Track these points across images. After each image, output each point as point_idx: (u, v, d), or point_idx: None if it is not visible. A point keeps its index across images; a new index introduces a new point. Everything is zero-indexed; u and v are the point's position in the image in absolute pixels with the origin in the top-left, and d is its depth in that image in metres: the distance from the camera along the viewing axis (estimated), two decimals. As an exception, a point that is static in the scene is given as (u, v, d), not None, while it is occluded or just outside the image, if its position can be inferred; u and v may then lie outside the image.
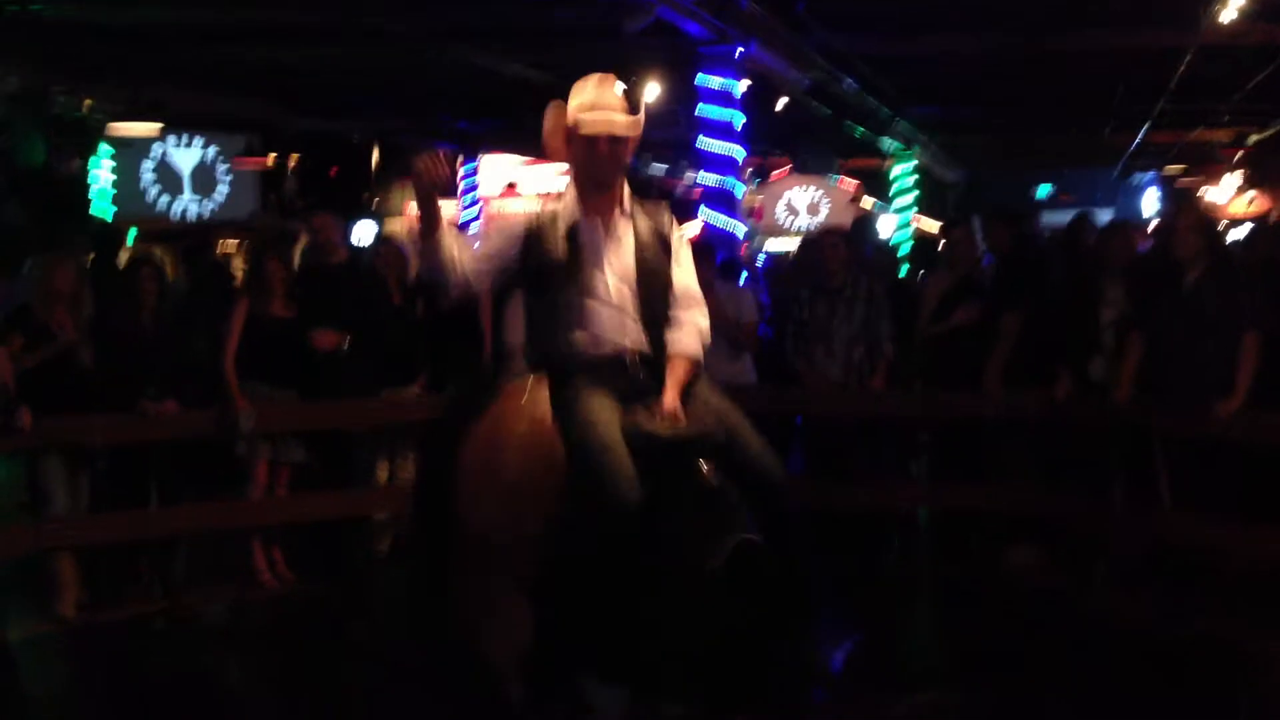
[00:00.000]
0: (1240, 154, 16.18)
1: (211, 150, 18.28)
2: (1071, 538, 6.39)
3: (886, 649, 5.44)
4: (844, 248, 6.70)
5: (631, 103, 3.67)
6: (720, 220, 9.44)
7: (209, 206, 18.29)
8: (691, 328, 3.66)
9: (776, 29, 9.81)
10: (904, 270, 10.44)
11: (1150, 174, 20.80)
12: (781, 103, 12.34)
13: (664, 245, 3.68)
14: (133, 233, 15.23)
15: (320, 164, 20.58)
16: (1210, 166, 17.66)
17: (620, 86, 3.71)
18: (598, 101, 3.60)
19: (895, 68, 12.21)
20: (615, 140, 3.58)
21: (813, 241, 9.58)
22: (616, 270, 3.63)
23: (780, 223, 21.08)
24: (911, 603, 6.30)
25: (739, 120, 9.42)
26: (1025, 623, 5.70)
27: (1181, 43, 10.10)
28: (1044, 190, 21.55)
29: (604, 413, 3.41)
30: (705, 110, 9.37)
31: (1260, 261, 6.10)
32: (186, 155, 18.26)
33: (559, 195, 3.78)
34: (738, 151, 9.50)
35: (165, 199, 17.74)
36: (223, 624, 5.98)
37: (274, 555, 6.42)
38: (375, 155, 20.34)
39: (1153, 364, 5.68)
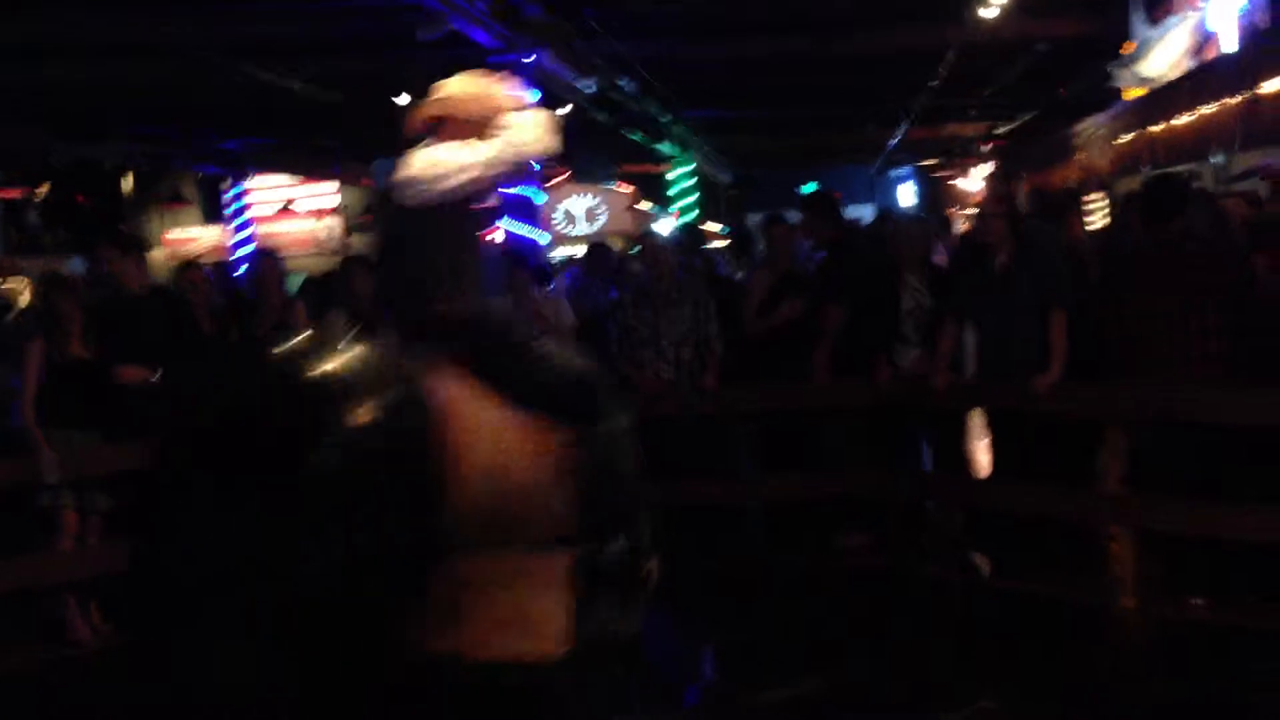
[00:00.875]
0: (990, 145, 17.22)
1: (-57, 184, 16.97)
2: (897, 517, 6.66)
3: (743, 642, 5.51)
4: (671, 253, 6.77)
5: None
6: (523, 229, 9.39)
7: (-58, 244, 16.96)
8: None
9: (564, 36, 9.84)
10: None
11: (906, 168, 21.93)
12: (563, 110, 12.38)
13: None
14: None
15: (66, 193, 19.36)
16: (965, 160, 18.75)
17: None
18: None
19: (674, 72, 12.45)
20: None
21: (599, 245, 9.75)
22: None
23: (560, 230, 21.13)
24: (756, 594, 6.40)
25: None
26: (865, 601, 5.91)
27: (945, 40, 10.67)
28: (809, 187, 22.37)
29: None
30: (501, 119, 9.27)
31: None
32: (-87, 190, 16.88)
33: None
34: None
35: (-110, 237, 16.36)
36: (42, 685, 5.51)
37: (88, 608, 5.98)
38: (128, 182, 19.27)
39: (972, 344, 5.97)
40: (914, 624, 5.60)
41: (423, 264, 3.42)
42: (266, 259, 7.12)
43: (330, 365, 3.09)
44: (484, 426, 3.27)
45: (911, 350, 6.33)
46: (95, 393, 5.87)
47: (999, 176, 8.15)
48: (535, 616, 3.48)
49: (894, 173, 22.46)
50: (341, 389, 3.04)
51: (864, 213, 15.43)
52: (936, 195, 21.29)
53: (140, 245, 6.50)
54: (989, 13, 9.12)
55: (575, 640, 3.41)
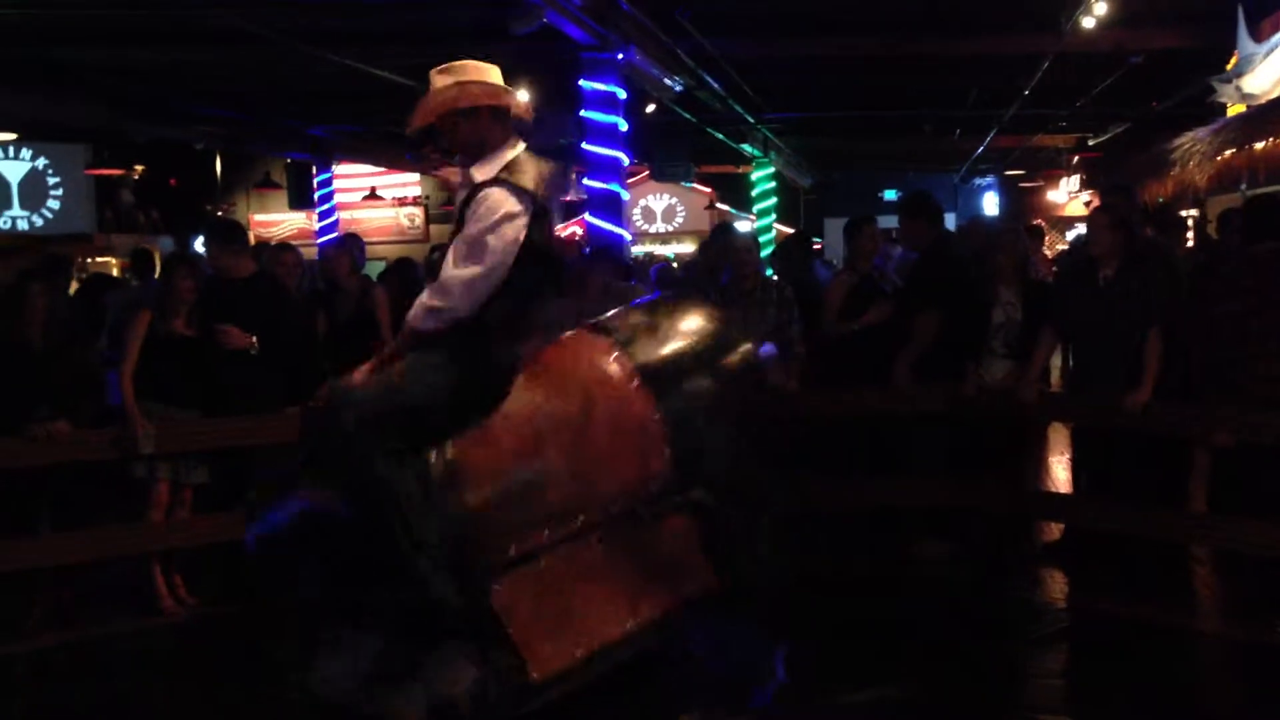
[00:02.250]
0: (1077, 158, 16.95)
1: (41, 161, 17.46)
2: (979, 529, 6.58)
3: (818, 648, 5.48)
4: (757, 254, 6.74)
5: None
6: (606, 225, 9.43)
7: (39, 219, 17.45)
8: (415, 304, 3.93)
9: (654, 34, 9.87)
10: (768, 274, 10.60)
11: (990, 177, 21.66)
12: (649, 108, 12.43)
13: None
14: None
15: (159, 174, 19.81)
16: (1052, 171, 18.48)
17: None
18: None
19: (760, 72, 12.43)
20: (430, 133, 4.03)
21: (721, 247, 9.75)
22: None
23: (638, 227, 21.21)
24: (830, 598, 6.37)
25: (623, 125, 9.43)
26: (941, 612, 5.85)
27: (1041, 49, 10.52)
28: (891, 193, 22.23)
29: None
30: (590, 114, 9.34)
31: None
32: (13, 166, 17.40)
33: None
34: (622, 156, 9.51)
35: (-8, 212, 16.89)
36: (126, 653, 5.64)
37: (174, 580, 6.12)
38: (220, 164, 19.66)
39: (1067, 356, 5.90)
40: (991, 637, 5.52)
41: None
42: (333, 247, 7.23)
43: None
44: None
45: (999, 363, 6.26)
46: (195, 370, 5.99)
47: (1112, 188, 7.97)
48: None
49: (977, 181, 22.20)
50: None
51: (948, 221, 15.27)
52: (1020, 206, 21.01)
53: (243, 236, 6.61)
54: (1089, 22, 8.97)
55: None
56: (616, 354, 3.97)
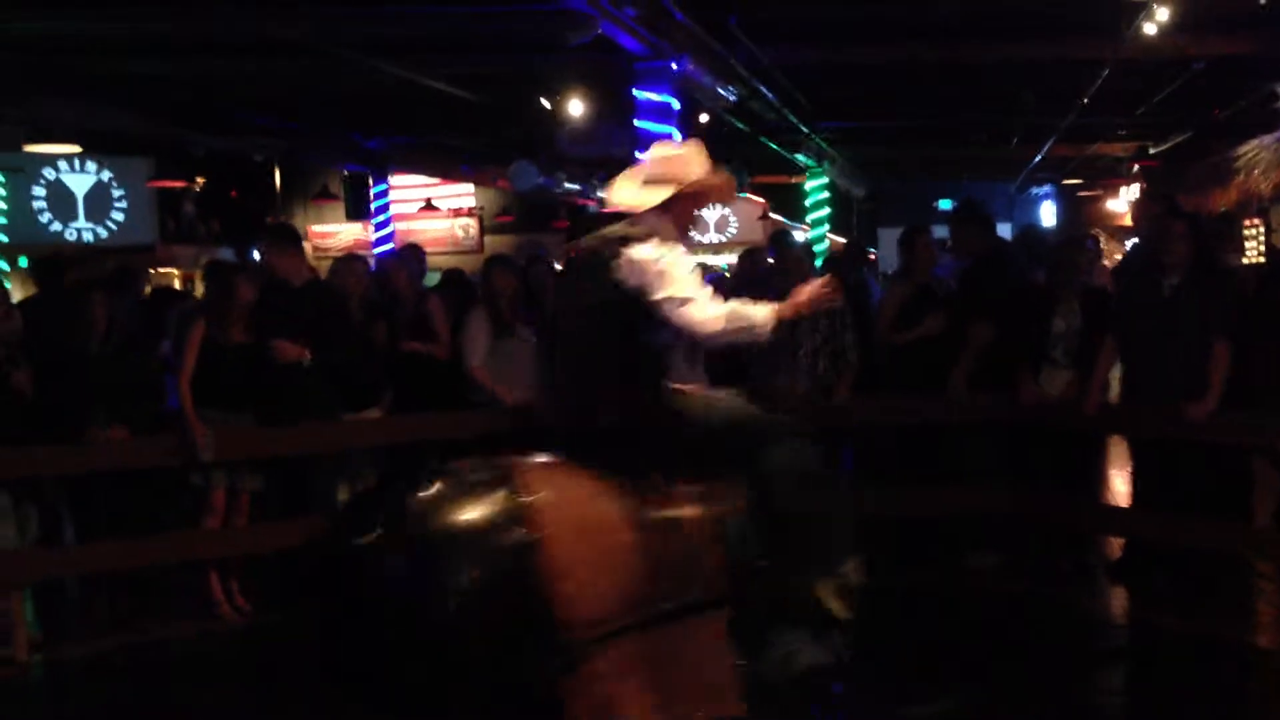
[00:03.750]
0: (1138, 166, 16.69)
1: (106, 174, 17.75)
2: (1033, 540, 6.49)
3: (866, 659, 5.42)
4: (805, 261, 6.70)
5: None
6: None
7: (104, 231, 17.74)
8: None
9: (706, 43, 9.85)
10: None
11: (1047, 187, 21.38)
12: (703, 118, 12.40)
13: None
14: (23, 261, 14.64)
15: (220, 186, 20.09)
16: (1111, 180, 18.22)
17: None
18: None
19: (814, 80, 12.36)
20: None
21: (752, 251, 9.70)
22: None
23: (690, 239, 21.18)
24: (880, 611, 6.29)
25: (677, 135, 9.41)
26: (997, 625, 5.77)
27: (1100, 55, 10.37)
28: (946, 203, 22.03)
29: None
30: (644, 124, 9.34)
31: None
32: (79, 179, 17.71)
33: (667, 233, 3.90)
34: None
35: (58, 224, 17.16)
36: (185, 658, 5.71)
37: (230, 585, 6.19)
38: (278, 176, 19.90)
39: (1124, 365, 5.80)
40: (1047, 650, 5.44)
41: None
42: (391, 258, 7.30)
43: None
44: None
45: (1060, 373, 6.17)
46: (251, 377, 6.06)
47: (1154, 197, 7.84)
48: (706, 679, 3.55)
49: (1034, 190, 21.92)
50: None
51: (1003, 231, 15.08)
52: (1078, 215, 20.73)
53: (298, 240, 6.69)
54: (1151, 26, 8.81)
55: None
56: None
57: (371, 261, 14.99)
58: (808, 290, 4.05)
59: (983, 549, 6.56)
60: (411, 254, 7.65)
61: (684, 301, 3.73)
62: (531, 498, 3.37)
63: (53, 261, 7.25)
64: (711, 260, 19.68)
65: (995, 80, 12.26)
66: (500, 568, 3.28)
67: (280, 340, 5.97)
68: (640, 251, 3.73)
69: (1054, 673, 5.14)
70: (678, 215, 3.96)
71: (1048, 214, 21.39)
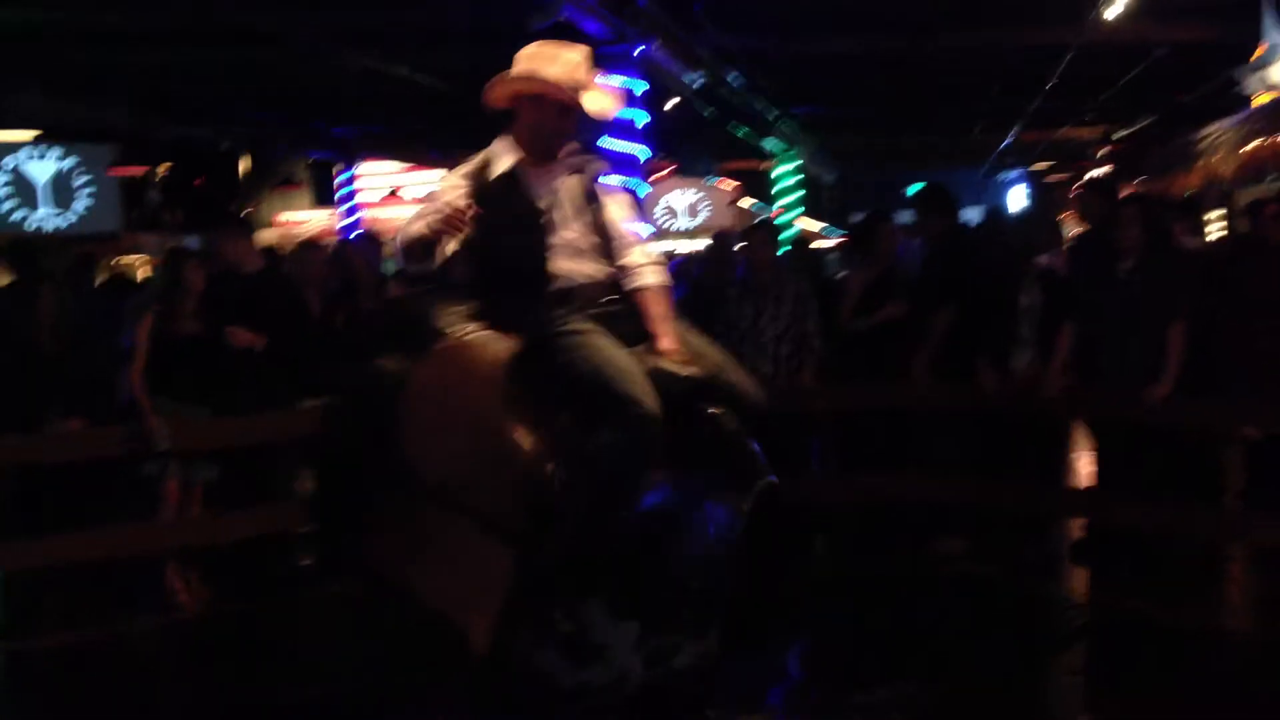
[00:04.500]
0: (1106, 150, 16.78)
1: (69, 161, 17.53)
2: (996, 526, 6.50)
3: (831, 645, 5.43)
4: (772, 246, 6.68)
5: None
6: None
7: (68, 219, 17.53)
8: (649, 263, 3.71)
9: (672, 28, 9.82)
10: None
11: (1017, 171, 21.46)
12: (671, 103, 12.37)
13: (594, 193, 3.75)
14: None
15: (185, 173, 19.90)
16: (1078, 164, 18.29)
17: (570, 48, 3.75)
18: (534, 52, 3.68)
19: (780, 67, 12.35)
20: (548, 96, 3.64)
21: (721, 236, 9.68)
22: (566, 214, 3.69)
23: (662, 225, 21.13)
24: (844, 598, 6.30)
25: (641, 119, 9.39)
26: (960, 610, 5.77)
27: (1063, 40, 10.40)
28: (914, 189, 22.04)
29: (611, 343, 3.47)
30: (607, 110, 9.29)
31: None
32: (41, 166, 17.46)
33: (480, 155, 3.79)
34: (641, 151, 9.46)
35: (20, 212, 16.94)
36: (142, 651, 5.65)
37: (189, 576, 6.13)
38: (244, 164, 19.74)
39: (1082, 349, 5.81)
40: (1010, 635, 5.43)
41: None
42: (348, 244, 7.25)
43: None
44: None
45: (1025, 351, 6.17)
46: (205, 367, 6.00)
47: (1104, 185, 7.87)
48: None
49: (1003, 176, 22.00)
50: None
51: (972, 216, 15.10)
52: (1047, 200, 20.81)
53: (246, 227, 6.63)
54: (1111, 12, 8.84)
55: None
56: None
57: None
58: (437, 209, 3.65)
59: (948, 535, 6.55)
60: (368, 241, 7.59)
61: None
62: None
63: (21, 249, 7.14)
64: (684, 246, 19.65)
65: (961, 66, 12.28)
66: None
67: (234, 328, 5.90)
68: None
69: (1015, 657, 5.14)
70: (518, 128, 3.70)
71: (1018, 199, 21.46)
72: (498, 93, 3.72)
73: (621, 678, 3.44)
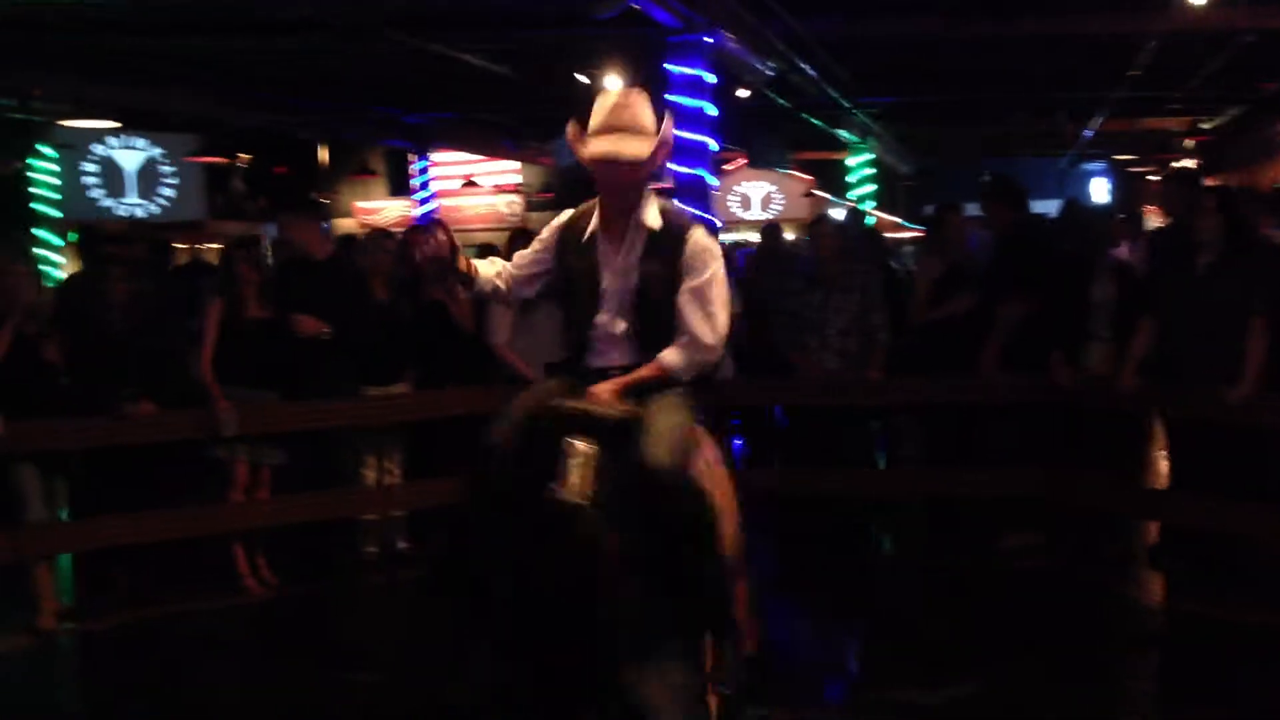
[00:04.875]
0: (1188, 141, 16.33)
1: (156, 150, 17.89)
2: (1069, 522, 6.36)
3: (900, 640, 5.35)
4: (838, 237, 6.59)
5: (648, 121, 3.50)
6: (693, 212, 9.32)
7: (154, 207, 17.90)
8: (678, 350, 3.53)
9: (741, 15, 9.71)
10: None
11: (1100, 163, 20.99)
12: (741, 93, 12.26)
13: (673, 263, 3.54)
14: (73, 236, 14.83)
15: (267, 162, 20.22)
16: (1163, 155, 17.83)
17: (643, 102, 3.54)
18: (612, 122, 3.46)
19: (855, 54, 12.16)
20: (625, 164, 3.45)
21: (772, 228, 9.63)
22: (619, 287, 3.59)
23: (734, 215, 21.04)
24: (913, 592, 6.22)
25: (710, 110, 9.30)
26: (1028, 608, 5.67)
27: (1147, 28, 10.12)
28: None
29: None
30: (676, 99, 9.22)
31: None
32: (130, 155, 17.85)
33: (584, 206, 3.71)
34: (710, 142, 9.38)
35: (109, 200, 17.34)
36: (208, 631, 5.75)
37: (256, 560, 6.22)
38: (323, 153, 20.01)
39: (1159, 346, 5.65)
40: (1077, 636, 5.31)
41: None
42: (414, 232, 7.24)
43: None
44: None
45: (1102, 346, 6.02)
46: (271, 352, 6.07)
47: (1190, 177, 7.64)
48: None
49: (1086, 167, 21.52)
50: None
51: (1051, 208, 14.79)
52: (1131, 192, 20.35)
53: (320, 213, 6.70)
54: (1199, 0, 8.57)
55: None
56: None
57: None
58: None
59: (1019, 531, 6.44)
60: (426, 231, 7.59)
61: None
62: None
63: (90, 232, 7.27)
64: (755, 237, 19.53)
65: (1044, 54, 12.01)
66: None
67: (300, 316, 5.96)
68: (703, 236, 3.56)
69: (1083, 657, 5.02)
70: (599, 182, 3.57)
71: (1100, 190, 21.00)
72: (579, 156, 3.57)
73: None
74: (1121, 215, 8.52)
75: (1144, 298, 5.82)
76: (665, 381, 3.51)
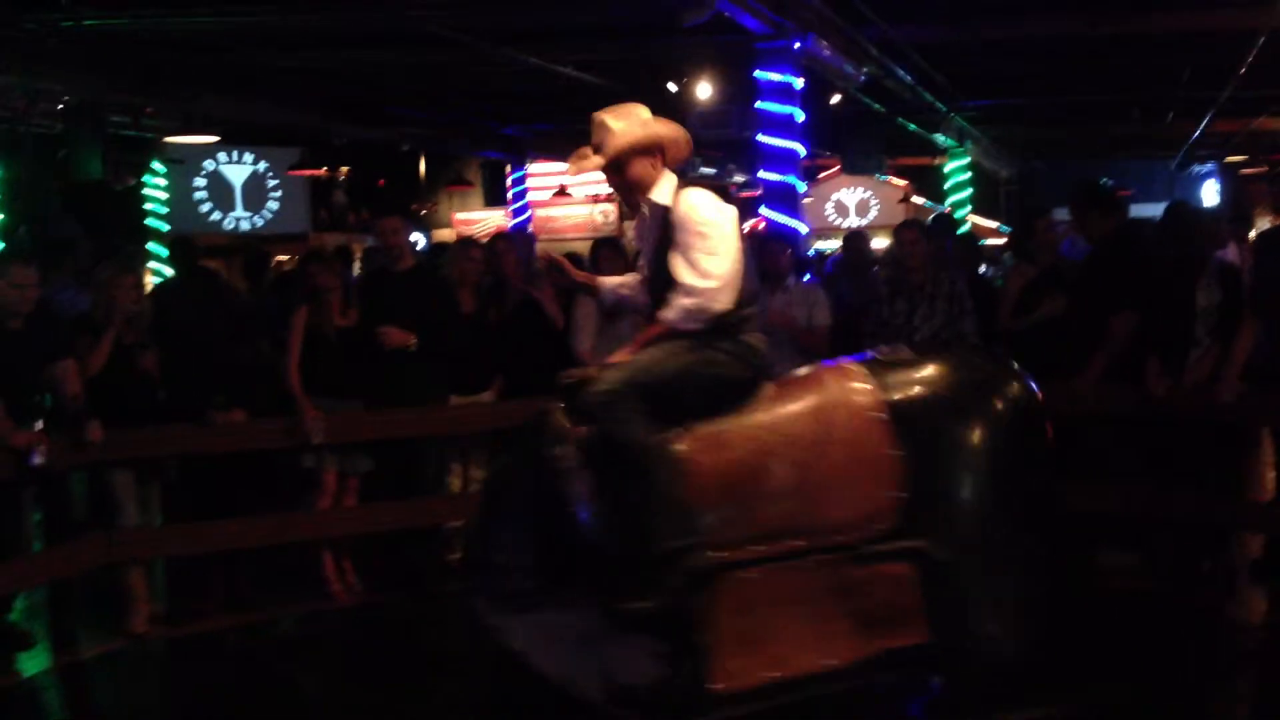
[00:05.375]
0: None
1: (262, 164, 18.35)
2: (1170, 538, 6.13)
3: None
4: (924, 243, 6.45)
5: (605, 134, 3.87)
6: (781, 218, 9.25)
7: (260, 220, 18.36)
8: (670, 302, 3.84)
9: (833, 21, 9.61)
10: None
11: (1209, 165, 20.33)
12: (834, 99, 12.14)
13: (669, 231, 3.88)
14: (161, 250, 15.27)
15: (368, 175, 20.58)
16: (1275, 155, 17.21)
17: (609, 116, 3.93)
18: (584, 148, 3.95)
19: (950, 58, 11.96)
20: (609, 171, 3.90)
21: (855, 237, 9.49)
22: (643, 264, 4.10)
23: (830, 222, 20.83)
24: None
25: (799, 116, 9.22)
26: (1127, 627, 5.47)
27: (1256, 24, 9.76)
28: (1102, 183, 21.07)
29: None
30: (765, 105, 9.17)
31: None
32: (237, 170, 18.33)
33: None
34: (798, 148, 9.30)
35: (217, 213, 17.84)
36: (296, 636, 5.85)
37: (344, 565, 6.31)
38: (422, 164, 20.32)
39: (1265, 350, 5.42)
40: (1176, 656, 5.12)
41: None
42: (499, 240, 7.29)
43: None
44: None
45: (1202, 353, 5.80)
46: (354, 361, 6.14)
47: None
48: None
49: (1195, 169, 20.86)
50: None
51: (1159, 211, 14.30)
52: (1241, 194, 19.68)
53: (412, 222, 6.80)
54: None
55: None
56: (868, 385, 3.83)
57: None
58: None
59: (1118, 547, 6.22)
60: (520, 237, 7.67)
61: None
62: None
63: (184, 245, 7.46)
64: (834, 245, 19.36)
65: (1147, 53, 11.68)
66: None
67: (386, 327, 6.04)
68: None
69: (1185, 677, 4.85)
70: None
71: (1210, 193, 20.34)
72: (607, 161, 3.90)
73: None
74: (1229, 217, 8.23)
75: (1246, 300, 5.59)
76: (669, 334, 3.83)
